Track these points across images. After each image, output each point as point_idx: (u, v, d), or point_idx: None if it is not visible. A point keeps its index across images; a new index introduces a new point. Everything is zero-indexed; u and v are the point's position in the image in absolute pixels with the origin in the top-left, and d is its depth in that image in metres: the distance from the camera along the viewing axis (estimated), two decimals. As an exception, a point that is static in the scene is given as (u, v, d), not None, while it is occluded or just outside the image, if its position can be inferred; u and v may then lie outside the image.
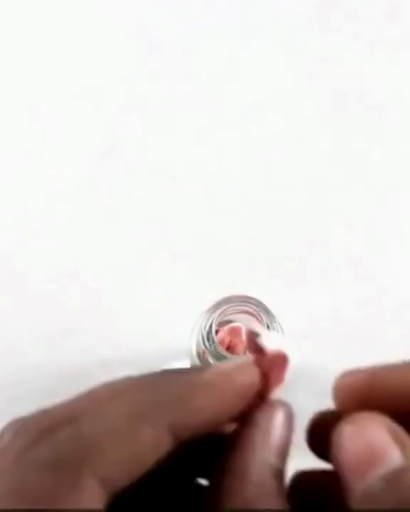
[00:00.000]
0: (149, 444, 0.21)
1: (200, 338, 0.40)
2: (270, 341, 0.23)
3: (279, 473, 0.22)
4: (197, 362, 0.42)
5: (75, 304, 0.54)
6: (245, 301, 0.40)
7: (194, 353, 0.42)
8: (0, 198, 0.57)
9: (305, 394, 0.46)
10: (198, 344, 0.41)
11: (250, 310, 0.40)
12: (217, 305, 0.40)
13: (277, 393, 0.24)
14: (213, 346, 0.39)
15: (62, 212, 0.57)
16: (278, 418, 0.23)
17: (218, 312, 0.40)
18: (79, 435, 0.21)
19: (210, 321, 0.39)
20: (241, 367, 0.23)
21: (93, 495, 0.20)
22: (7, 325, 0.54)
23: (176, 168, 0.58)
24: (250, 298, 0.40)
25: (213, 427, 0.23)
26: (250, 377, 0.23)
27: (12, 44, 0.63)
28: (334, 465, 0.21)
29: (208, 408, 0.22)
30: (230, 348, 0.41)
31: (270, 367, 0.23)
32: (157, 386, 0.22)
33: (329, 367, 0.51)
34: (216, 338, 0.39)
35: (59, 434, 0.21)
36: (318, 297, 0.54)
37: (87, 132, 0.59)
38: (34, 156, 0.59)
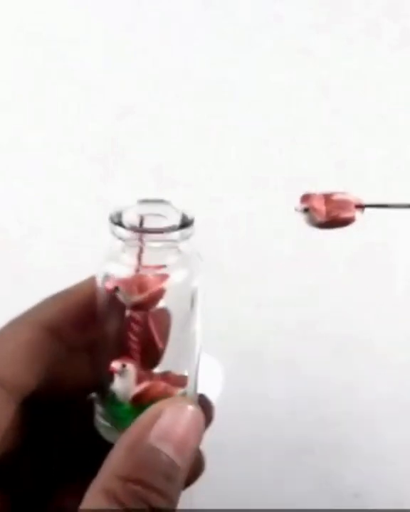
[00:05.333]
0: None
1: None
2: None
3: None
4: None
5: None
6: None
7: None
8: (0, 197, 0.58)
9: (305, 393, 0.47)
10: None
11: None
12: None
13: None
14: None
15: (63, 212, 0.57)
16: (183, 416, 0.23)
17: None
18: None
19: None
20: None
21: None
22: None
23: (175, 168, 0.58)
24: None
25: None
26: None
27: (12, 44, 0.63)
28: None
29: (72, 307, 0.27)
30: None
31: None
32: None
33: (328, 368, 0.51)
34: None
35: None
36: (318, 297, 0.54)
37: (87, 132, 0.59)
38: (34, 156, 0.59)
